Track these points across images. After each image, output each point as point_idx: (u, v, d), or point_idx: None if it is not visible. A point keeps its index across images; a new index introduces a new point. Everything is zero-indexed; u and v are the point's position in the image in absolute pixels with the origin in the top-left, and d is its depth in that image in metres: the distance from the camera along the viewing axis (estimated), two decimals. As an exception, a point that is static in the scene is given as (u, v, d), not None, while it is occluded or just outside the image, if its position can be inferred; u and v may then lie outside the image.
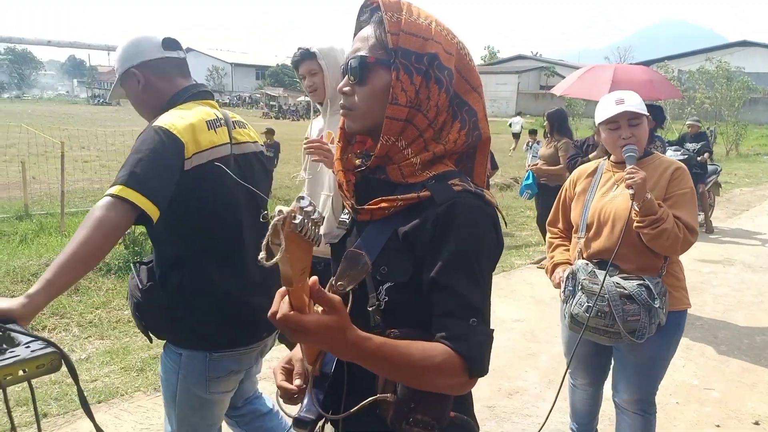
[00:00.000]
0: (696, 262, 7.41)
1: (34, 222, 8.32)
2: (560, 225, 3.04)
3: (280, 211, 0.89)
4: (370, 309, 1.26)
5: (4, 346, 1.18)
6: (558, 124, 7.18)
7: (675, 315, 2.66)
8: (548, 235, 3.14)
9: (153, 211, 1.84)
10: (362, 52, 1.26)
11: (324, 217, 0.99)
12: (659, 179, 2.64)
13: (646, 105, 2.73)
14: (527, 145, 11.49)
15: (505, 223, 1.32)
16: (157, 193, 1.86)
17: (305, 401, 1.30)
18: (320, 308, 1.02)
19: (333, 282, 1.28)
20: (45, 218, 8.52)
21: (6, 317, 1.32)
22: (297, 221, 0.89)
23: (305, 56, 2.99)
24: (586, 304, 2.57)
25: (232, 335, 2.17)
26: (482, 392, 4.12)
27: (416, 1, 1.32)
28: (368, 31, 1.28)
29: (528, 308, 5.93)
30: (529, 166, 7.69)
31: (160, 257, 2.17)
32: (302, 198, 0.92)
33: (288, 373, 1.36)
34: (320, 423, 1.31)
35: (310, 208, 0.92)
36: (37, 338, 1.20)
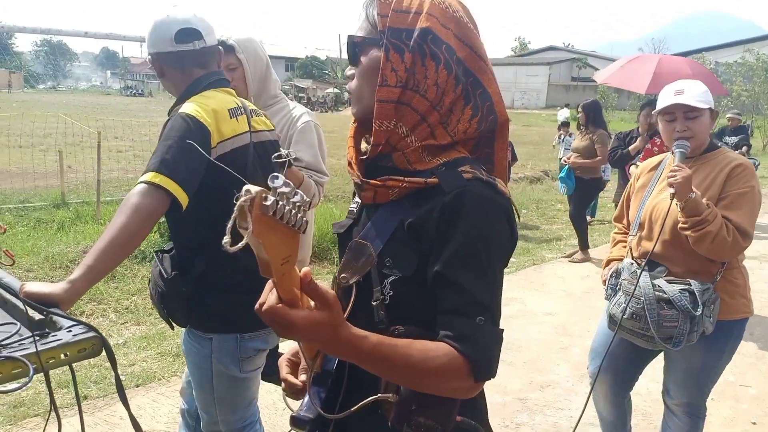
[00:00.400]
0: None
1: (71, 210, 8.48)
2: (624, 221, 2.90)
3: (248, 191, 0.79)
4: (375, 303, 1.18)
5: (47, 330, 1.20)
6: (593, 115, 7.10)
7: (727, 324, 2.48)
8: (613, 230, 3.00)
9: (183, 198, 1.87)
10: (353, 33, 1.22)
11: (310, 202, 0.91)
12: (716, 177, 2.45)
13: None
14: (559, 137, 11.30)
15: (518, 215, 1.22)
16: (187, 181, 1.88)
17: (305, 399, 1.24)
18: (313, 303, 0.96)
19: (337, 274, 1.23)
20: (81, 206, 8.67)
21: (49, 301, 1.34)
22: (268, 203, 0.80)
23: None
24: (623, 305, 2.49)
25: (258, 317, 2.19)
26: (514, 384, 4.11)
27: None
28: (364, 11, 1.22)
29: (559, 302, 5.87)
30: (563, 159, 7.59)
31: (182, 245, 2.19)
32: (276, 177, 0.83)
33: (294, 366, 1.31)
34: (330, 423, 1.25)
35: (286, 189, 0.83)
36: (79, 323, 1.22)
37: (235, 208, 0.79)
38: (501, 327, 1.14)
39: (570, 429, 3.56)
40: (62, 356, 1.15)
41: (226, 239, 0.80)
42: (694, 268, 2.46)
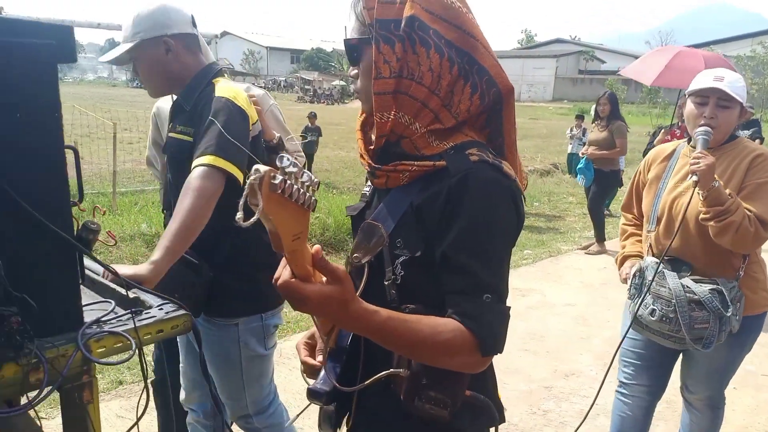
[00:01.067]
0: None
1: (87, 201, 8.51)
2: (634, 211, 2.80)
3: (257, 170, 0.84)
4: (386, 283, 1.22)
5: (140, 308, 1.26)
6: (611, 106, 7.13)
7: (751, 319, 2.47)
8: (622, 220, 2.91)
9: (239, 176, 1.94)
10: (347, 36, 1.25)
11: (318, 182, 0.95)
12: (737, 167, 2.39)
13: None
14: (570, 130, 11.28)
15: (524, 198, 1.25)
16: (240, 160, 1.96)
17: (321, 373, 1.28)
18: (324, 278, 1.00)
19: (350, 254, 1.25)
20: (97, 198, 8.74)
21: (136, 281, 1.40)
22: (276, 181, 0.84)
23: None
24: (651, 306, 2.44)
25: (278, 293, 2.24)
26: (539, 373, 4.17)
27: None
28: (351, 14, 1.25)
29: (578, 293, 5.92)
30: (582, 152, 7.63)
31: (208, 227, 2.10)
32: (283, 157, 0.87)
33: (311, 348, 1.36)
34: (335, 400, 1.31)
35: (293, 169, 0.87)
36: (171, 300, 1.27)
37: (246, 186, 0.84)
38: (508, 305, 1.17)
39: (596, 416, 3.63)
40: (157, 332, 1.21)
41: (239, 215, 0.84)
42: (719, 263, 2.41)
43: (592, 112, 7.96)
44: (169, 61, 2.11)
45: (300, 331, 4.66)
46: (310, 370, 1.30)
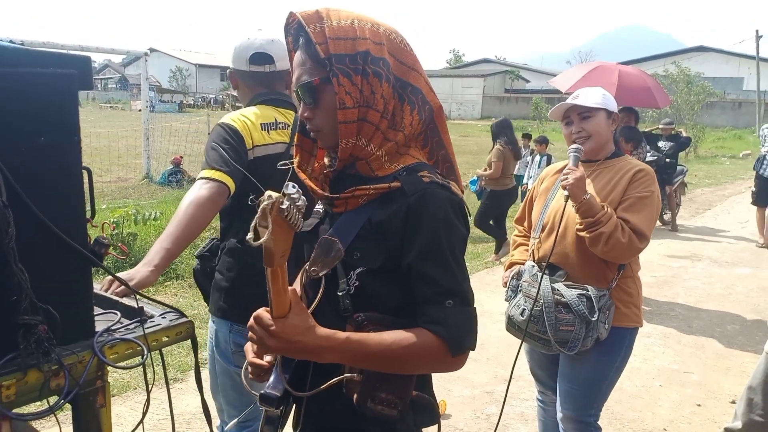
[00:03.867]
0: (666, 258, 7.83)
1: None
2: (525, 224, 2.91)
3: (270, 196, 0.95)
4: (340, 294, 1.30)
5: (144, 316, 1.37)
6: (495, 129, 8.03)
7: (619, 331, 2.52)
8: (514, 232, 3.01)
9: (230, 183, 2.14)
10: (305, 78, 1.31)
11: (306, 205, 1.05)
12: (619, 181, 2.50)
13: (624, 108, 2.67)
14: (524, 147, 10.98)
15: (469, 213, 1.40)
16: (230, 171, 2.15)
17: (272, 378, 1.32)
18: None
19: (306, 268, 1.34)
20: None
21: (140, 285, 1.52)
22: (284, 206, 0.96)
23: None
24: (522, 306, 2.50)
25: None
26: (481, 378, 4.38)
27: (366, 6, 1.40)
28: (301, 54, 1.32)
29: (514, 302, 6.17)
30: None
31: (220, 229, 2.48)
32: (289, 185, 0.99)
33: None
34: (286, 403, 1.38)
35: (296, 195, 0.98)
36: (174, 310, 1.39)
37: (259, 209, 0.95)
38: (474, 306, 1.30)
39: (536, 417, 3.86)
40: (164, 338, 1.33)
41: (250, 236, 0.97)
42: (592, 272, 2.49)
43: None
44: (236, 90, 2.54)
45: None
46: (257, 371, 1.34)
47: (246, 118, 2.32)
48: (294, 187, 1.00)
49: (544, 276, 2.48)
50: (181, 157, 13.00)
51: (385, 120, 1.31)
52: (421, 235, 1.26)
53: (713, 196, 14.39)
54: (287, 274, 1.10)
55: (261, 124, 2.33)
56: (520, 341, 2.59)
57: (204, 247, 2.47)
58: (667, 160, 9.23)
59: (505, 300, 2.71)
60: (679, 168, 10.06)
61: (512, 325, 2.59)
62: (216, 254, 2.42)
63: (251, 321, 1.13)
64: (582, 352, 2.47)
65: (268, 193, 0.97)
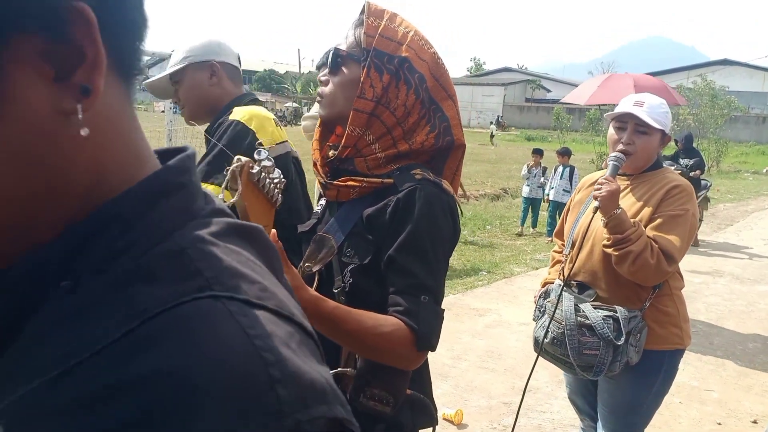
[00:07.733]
0: (687, 273, 7.56)
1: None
2: (564, 237, 2.70)
3: (239, 159, 0.95)
4: (336, 291, 1.33)
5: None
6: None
7: (656, 354, 2.32)
8: (554, 247, 2.81)
9: (227, 196, 2.05)
10: (338, 46, 1.38)
11: (284, 181, 1.06)
12: (653, 196, 2.31)
13: None
14: (527, 168, 10.51)
15: (461, 212, 1.41)
16: (215, 177, 2.06)
17: None
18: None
19: (301, 264, 1.35)
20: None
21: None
22: (254, 170, 0.96)
23: None
24: (547, 328, 2.36)
25: None
26: (498, 389, 4.34)
27: (403, 13, 1.44)
28: (350, 30, 1.39)
29: (532, 312, 6.09)
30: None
31: None
32: (261, 151, 1.00)
33: None
34: None
35: (267, 163, 0.99)
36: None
37: (228, 172, 0.95)
38: (443, 308, 1.31)
39: (553, 430, 3.83)
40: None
41: (221, 195, 0.95)
42: (622, 292, 2.31)
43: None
44: (211, 85, 2.26)
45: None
46: None
47: (257, 115, 2.24)
48: (265, 152, 1.01)
49: (568, 296, 2.34)
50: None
51: (400, 128, 1.35)
52: (406, 228, 1.27)
53: (736, 211, 14.20)
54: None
55: (273, 120, 2.31)
56: (536, 355, 2.51)
57: None
58: (692, 173, 9.12)
59: (533, 320, 2.61)
60: (702, 182, 9.94)
61: (537, 346, 2.47)
62: None
63: None
64: (615, 376, 2.33)
65: (237, 156, 0.97)
